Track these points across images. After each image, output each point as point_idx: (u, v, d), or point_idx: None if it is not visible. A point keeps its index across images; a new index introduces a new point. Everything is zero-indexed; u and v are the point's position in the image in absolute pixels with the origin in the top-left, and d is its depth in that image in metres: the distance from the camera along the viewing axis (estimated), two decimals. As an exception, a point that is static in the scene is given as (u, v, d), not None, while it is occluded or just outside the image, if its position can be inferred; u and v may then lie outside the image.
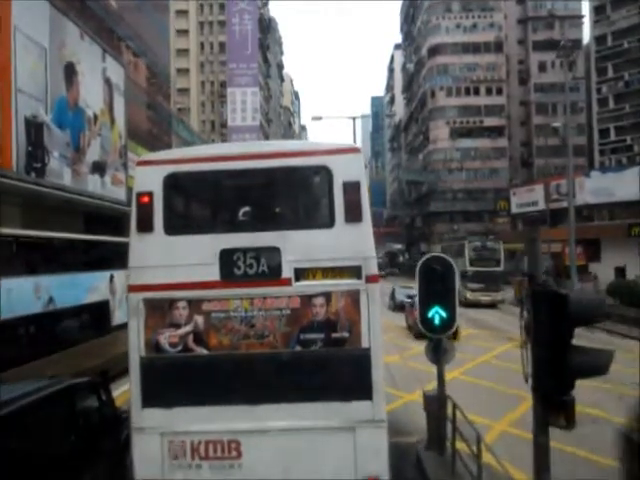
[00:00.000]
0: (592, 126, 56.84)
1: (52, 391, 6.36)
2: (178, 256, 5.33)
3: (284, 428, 5.18)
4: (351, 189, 5.26)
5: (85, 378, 7.53)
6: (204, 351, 5.32)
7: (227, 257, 5.29)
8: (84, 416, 6.83)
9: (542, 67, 67.92)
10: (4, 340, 10.64)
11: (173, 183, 5.42)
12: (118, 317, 16.26)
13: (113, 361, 11.75)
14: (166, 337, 5.31)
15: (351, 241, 5.28)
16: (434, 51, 71.44)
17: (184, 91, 66.81)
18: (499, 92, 69.45)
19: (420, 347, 18.07)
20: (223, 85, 68.08)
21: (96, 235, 16.23)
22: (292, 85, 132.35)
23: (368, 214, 5.34)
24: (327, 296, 5.27)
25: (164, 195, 5.37)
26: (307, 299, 5.28)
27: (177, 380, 5.33)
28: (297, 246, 5.28)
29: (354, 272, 5.26)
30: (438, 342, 7.42)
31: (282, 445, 5.18)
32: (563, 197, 47.09)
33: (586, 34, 66.58)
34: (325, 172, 5.36)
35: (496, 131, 68.81)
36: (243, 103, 65.12)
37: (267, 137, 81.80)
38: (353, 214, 5.27)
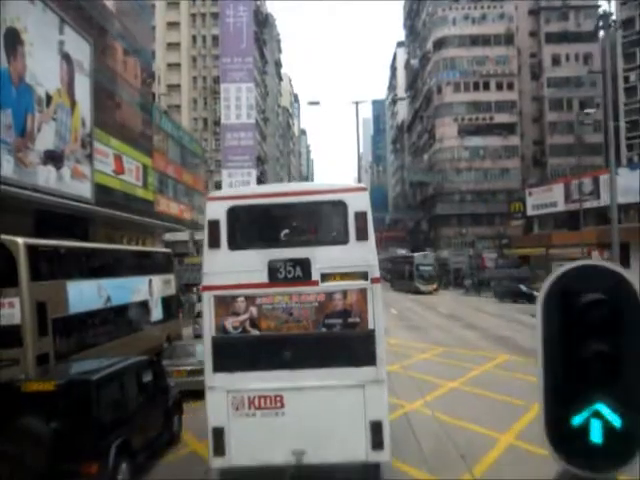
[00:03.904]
0: (619, 119, 52.56)
1: (127, 364, 9.45)
2: (238, 265, 7.54)
3: (314, 386, 7.31)
4: (360, 217, 7.54)
5: (145, 357, 10.49)
6: (256, 332, 7.52)
7: (273, 265, 7.49)
8: (146, 385, 9.57)
9: (556, 60, 64.37)
10: (79, 328, 13.42)
11: (234, 213, 7.67)
12: (154, 315, 18.98)
13: (154, 350, 16.39)
14: (230, 322, 7.49)
15: (360, 254, 7.54)
16: (440, 44, 67.93)
17: (175, 87, 63.38)
18: (510, 87, 65.88)
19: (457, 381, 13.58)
20: (216, 81, 64.49)
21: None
22: (291, 86, 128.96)
23: (372, 234, 7.60)
24: (344, 293, 7.50)
25: (227, 222, 7.59)
26: (330, 295, 7.50)
27: (237, 352, 7.53)
28: (322, 257, 7.53)
29: (362, 276, 7.48)
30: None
31: (313, 398, 7.32)
32: (586, 197, 43.51)
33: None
34: (342, 205, 7.65)
35: (507, 128, 65.20)
36: (237, 99, 61.34)
37: (264, 137, 78.04)
38: (361, 234, 7.54)
